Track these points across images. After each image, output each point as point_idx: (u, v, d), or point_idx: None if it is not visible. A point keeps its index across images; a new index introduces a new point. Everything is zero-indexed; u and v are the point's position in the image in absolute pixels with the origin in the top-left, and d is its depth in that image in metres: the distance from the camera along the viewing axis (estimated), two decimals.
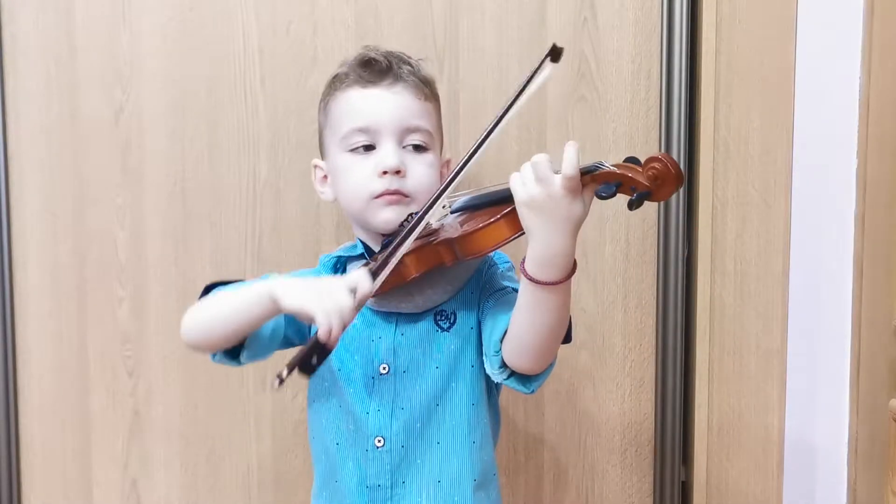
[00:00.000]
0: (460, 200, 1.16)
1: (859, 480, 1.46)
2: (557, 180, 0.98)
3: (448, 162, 1.29)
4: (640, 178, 0.98)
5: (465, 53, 1.51)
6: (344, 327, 1.00)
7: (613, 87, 1.50)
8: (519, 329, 1.08)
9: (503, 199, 1.06)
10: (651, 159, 0.99)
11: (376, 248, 1.22)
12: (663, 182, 0.98)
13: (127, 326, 1.58)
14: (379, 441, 1.16)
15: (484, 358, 1.17)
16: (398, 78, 1.19)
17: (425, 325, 1.18)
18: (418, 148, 1.19)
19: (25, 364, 1.59)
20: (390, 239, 1.14)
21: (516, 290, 1.17)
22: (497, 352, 1.12)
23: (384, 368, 1.17)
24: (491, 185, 1.14)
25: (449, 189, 1.09)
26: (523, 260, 1.04)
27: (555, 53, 1.07)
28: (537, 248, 1.02)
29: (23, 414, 1.60)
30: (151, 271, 1.57)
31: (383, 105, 1.18)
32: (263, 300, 1.07)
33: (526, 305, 1.06)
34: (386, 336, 1.17)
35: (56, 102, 1.56)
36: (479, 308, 1.19)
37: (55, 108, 1.56)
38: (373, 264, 1.07)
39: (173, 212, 1.55)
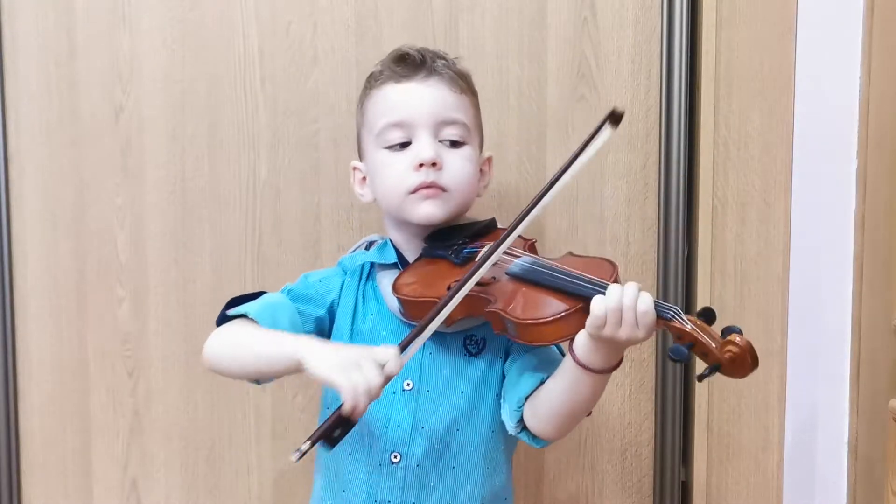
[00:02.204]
0: (517, 265, 1.11)
1: (859, 480, 1.46)
2: (653, 328, 0.99)
3: (489, 159, 1.27)
4: (716, 352, 0.97)
5: (465, 53, 1.50)
6: (370, 402, 0.98)
7: (613, 87, 1.50)
8: (551, 400, 1.08)
9: (570, 292, 1.03)
10: (730, 341, 0.96)
11: (411, 256, 1.21)
12: (739, 366, 0.97)
13: (127, 326, 1.58)
14: (395, 457, 1.15)
15: (502, 402, 1.15)
16: (432, 71, 1.18)
17: (454, 348, 1.17)
18: (455, 143, 1.18)
19: (25, 364, 1.59)
20: (473, 248, 1.12)
21: None
22: (519, 408, 1.11)
23: (408, 385, 1.16)
24: (550, 259, 1.11)
25: (496, 251, 1.06)
26: (572, 341, 1.03)
27: (614, 118, 1.05)
28: (595, 346, 1.02)
29: (23, 414, 1.60)
30: (151, 271, 1.57)
31: (417, 98, 1.17)
32: (290, 361, 1.03)
33: (566, 382, 1.06)
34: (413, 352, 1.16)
35: (56, 102, 1.56)
36: (508, 341, 1.17)
37: (55, 108, 1.56)
38: (404, 340, 1.03)
39: (173, 212, 1.55)
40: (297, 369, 1.03)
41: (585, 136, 1.07)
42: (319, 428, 0.98)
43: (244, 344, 1.12)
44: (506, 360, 1.17)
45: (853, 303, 1.45)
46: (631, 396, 1.55)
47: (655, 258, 1.52)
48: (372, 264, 1.23)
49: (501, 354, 1.18)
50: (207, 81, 1.53)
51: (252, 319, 1.14)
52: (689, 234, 1.51)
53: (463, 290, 1.05)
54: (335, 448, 1.17)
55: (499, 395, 1.17)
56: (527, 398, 1.11)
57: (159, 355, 1.58)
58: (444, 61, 1.20)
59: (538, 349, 1.14)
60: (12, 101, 1.55)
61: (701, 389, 1.49)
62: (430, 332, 1.05)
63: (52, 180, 1.56)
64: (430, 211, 1.16)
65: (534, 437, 1.13)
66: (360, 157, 1.26)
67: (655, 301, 0.99)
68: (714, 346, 0.97)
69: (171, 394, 1.58)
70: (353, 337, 1.19)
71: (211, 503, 1.60)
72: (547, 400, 1.09)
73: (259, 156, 1.54)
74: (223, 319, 1.17)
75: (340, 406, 0.97)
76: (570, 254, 1.16)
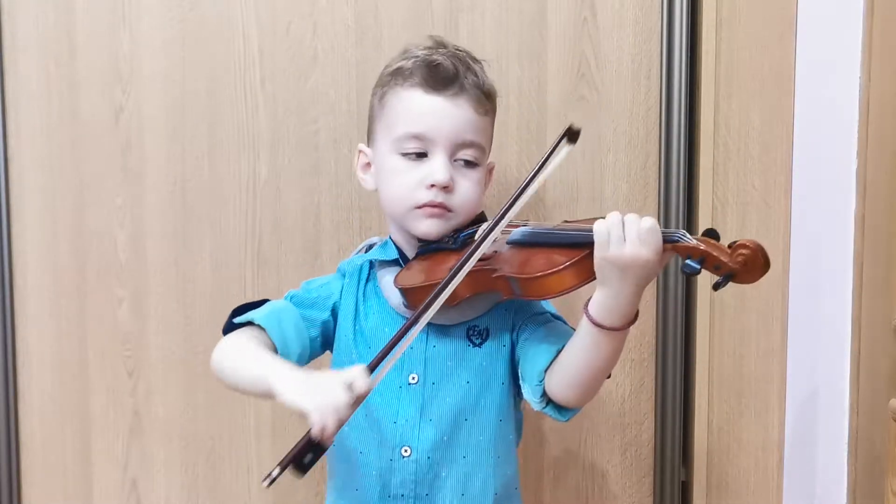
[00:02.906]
0: (517, 233, 1.13)
1: (859, 480, 1.46)
2: (660, 248, 0.98)
3: (492, 169, 1.28)
4: (727, 260, 0.96)
5: None
6: (340, 425, 0.98)
7: (613, 87, 1.50)
8: (571, 366, 1.08)
9: (570, 243, 1.04)
10: (740, 245, 0.97)
11: (411, 253, 1.22)
12: (752, 268, 0.96)
13: (127, 326, 1.58)
14: (405, 451, 1.16)
15: (522, 383, 1.16)
16: (462, 89, 1.17)
17: (457, 339, 1.18)
18: (469, 164, 1.18)
19: (25, 364, 1.59)
20: (469, 232, 1.14)
21: (555, 316, 1.19)
22: (540, 382, 1.12)
23: (413, 378, 1.17)
24: (545, 223, 1.12)
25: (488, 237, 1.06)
26: (587, 302, 1.04)
27: (571, 135, 1.06)
28: (607, 297, 1.02)
29: (23, 414, 1.60)
30: (151, 271, 1.57)
31: (443, 116, 1.17)
32: (264, 387, 1.05)
33: (584, 345, 1.06)
34: (417, 346, 1.16)
35: (56, 102, 1.56)
36: (512, 327, 1.18)
37: (55, 108, 1.56)
38: (373, 360, 1.03)
39: (173, 212, 1.55)
40: (271, 395, 1.04)
41: (545, 153, 1.07)
42: (289, 454, 0.98)
43: (237, 361, 1.13)
44: (511, 349, 1.18)
45: (853, 303, 1.45)
46: (631, 396, 1.55)
47: None
48: (371, 265, 1.24)
49: (506, 342, 1.18)
50: (207, 81, 1.53)
51: (258, 326, 1.16)
52: None
53: (457, 276, 1.06)
54: (347, 447, 1.19)
55: (504, 384, 1.18)
56: (545, 371, 1.11)
57: (159, 355, 1.58)
58: (474, 78, 1.19)
59: (547, 325, 1.15)
60: (12, 101, 1.55)
61: (701, 389, 1.49)
62: (400, 354, 1.05)
63: (52, 180, 1.56)
64: (431, 229, 1.17)
65: (559, 409, 1.13)
66: (369, 142, 1.25)
67: (661, 229, 1.00)
68: (725, 253, 0.97)
69: (171, 394, 1.58)
70: (357, 336, 1.20)
71: (211, 503, 1.60)
72: (567, 367, 1.09)
73: (259, 156, 1.54)
74: (230, 327, 1.18)
75: (309, 430, 0.98)
76: (565, 221, 1.18)
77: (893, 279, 1.34)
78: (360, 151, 1.26)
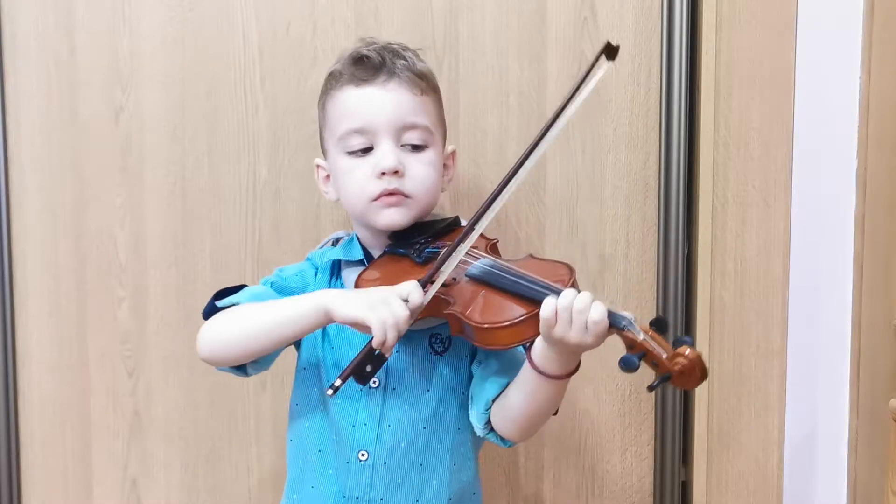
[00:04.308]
0: (476, 267, 1.11)
1: (859, 480, 1.46)
2: (604, 336, 1.00)
3: (453, 153, 1.28)
4: (666, 363, 0.97)
5: (465, 53, 1.51)
6: (398, 337, 1.02)
7: (613, 88, 1.50)
8: (514, 406, 1.10)
9: (528, 297, 1.04)
10: (679, 353, 0.97)
11: (377, 253, 1.21)
12: (687, 377, 0.98)
13: (127, 326, 1.58)
14: (363, 455, 1.16)
15: (470, 404, 1.17)
16: (392, 74, 1.17)
17: (419, 346, 1.17)
18: (417, 147, 1.18)
19: (25, 364, 1.59)
20: (435, 248, 1.14)
21: None
22: (486, 410, 1.14)
23: (374, 383, 1.16)
24: (510, 261, 1.12)
25: (498, 199, 1.08)
26: (529, 347, 1.06)
27: (610, 51, 1.06)
28: (550, 352, 1.04)
29: (23, 414, 1.60)
30: (151, 271, 1.57)
31: (378, 104, 1.16)
32: (316, 314, 1.07)
33: (527, 389, 1.08)
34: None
35: (56, 102, 1.55)
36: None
37: (55, 108, 1.56)
38: (422, 278, 1.06)
39: (173, 212, 1.55)
40: (325, 318, 1.07)
41: (582, 73, 1.07)
42: (351, 364, 1.01)
43: (254, 318, 1.13)
44: (472, 360, 1.18)
45: (853, 303, 1.45)
46: (631, 396, 1.55)
47: (655, 258, 1.52)
48: (338, 261, 1.24)
49: (467, 353, 1.18)
50: (207, 81, 1.53)
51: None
52: (689, 234, 1.51)
53: (477, 215, 1.07)
54: (306, 444, 1.19)
55: (464, 394, 1.18)
56: (493, 401, 1.13)
57: (159, 355, 1.58)
58: (403, 61, 1.19)
59: (501, 352, 1.15)
60: (12, 101, 1.55)
61: (701, 390, 1.49)
62: (448, 271, 1.07)
63: (52, 180, 1.56)
64: (393, 218, 1.17)
65: (501, 438, 1.15)
66: (324, 156, 1.26)
67: (610, 311, 1.00)
68: (665, 356, 0.98)
69: (171, 394, 1.58)
70: (323, 334, 1.19)
71: (211, 503, 1.60)
72: (510, 405, 1.11)
73: (259, 156, 1.54)
74: (211, 311, 1.18)
75: (370, 341, 1.01)
76: (531, 256, 1.17)
77: (893, 279, 1.34)
78: (317, 166, 1.27)
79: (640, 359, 0.98)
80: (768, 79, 1.45)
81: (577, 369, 1.07)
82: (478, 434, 1.17)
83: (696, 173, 1.48)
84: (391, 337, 1.01)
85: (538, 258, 1.16)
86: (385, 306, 1.02)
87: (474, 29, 1.50)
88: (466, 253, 1.10)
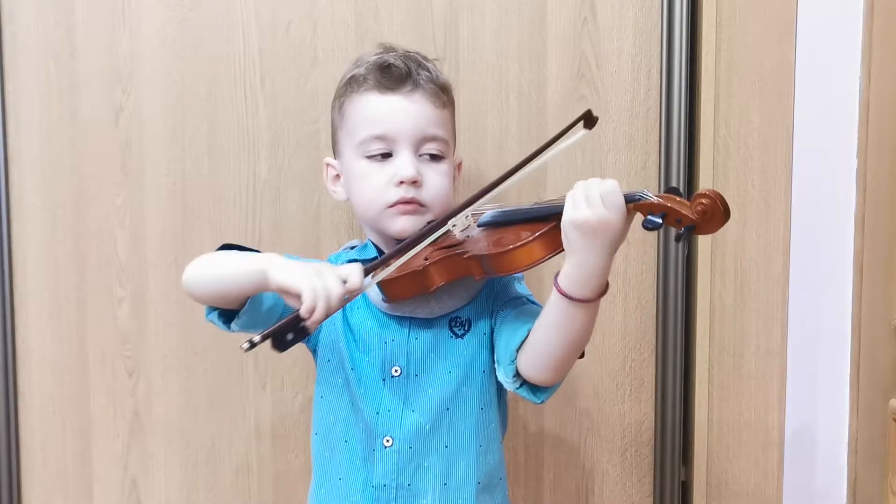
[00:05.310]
0: (487, 215, 1.15)
1: (859, 480, 1.46)
2: (623, 209, 0.99)
3: (460, 165, 1.30)
4: (687, 212, 0.98)
5: (465, 53, 1.51)
6: (327, 315, 1.01)
7: (613, 87, 1.50)
8: (542, 342, 1.09)
9: (537, 217, 1.06)
10: (700, 195, 0.98)
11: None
12: (711, 217, 0.98)
13: (127, 326, 1.58)
14: (387, 441, 1.17)
15: (496, 366, 1.17)
16: (417, 85, 1.20)
17: (440, 331, 1.19)
18: (434, 157, 1.20)
19: (25, 364, 1.59)
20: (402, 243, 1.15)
21: (531, 300, 1.20)
22: (512, 361, 1.13)
23: (396, 371, 1.18)
24: (516, 203, 1.14)
25: (467, 209, 1.09)
26: (557, 274, 1.04)
27: (589, 119, 1.07)
28: (576, 266, 1.02)
29: (23, 414, 1.60)
30: (151, 271, 1.57)
31: (402, 114, 1.18)
32: (254, 271, 1.07)
33: (554, 320, 1.06)
34: (399, 339, 1.18)
35: (56, 102, 1.55)
36: (492, 315, 1.20)
37: (55, 108, 1.56)
38: (370, 264, 1.07)
39: (173, 212, 1.55)
40: (262, 280, 1.05)
41: (559, 130, 1.09)
42: (274, 326, 1.00)
43: (217, 261, 1.15)
44: (491, 336, 1.19)
45: (853, 303, 1.45)
46: (631, 396, 1.55)
47: (655, 258, 1.52)
48: (356, 262, 1.24)
49: (486, 331, 1.19)
50: (207, 81, 1.53)
51: None
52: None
53: (437, 232, 1.08)
54: (332, 435, 1.19)
55: (485, 372, 1.19)
56: (517, 350, 1.12)
57: (159, 355, 1.58)
58: (427, 73, 1.21)
59: (521, 307, 1.16)
60: (12, 101, 1.55)
61: (701, 390, 1.50)
62: (401, 262, 1.08)
63: (52, 180, 1.56)
64: (406, 226, 1.18)
65: (533, 389, 1.14)
66: (335, 155, 1.27)
67: (623, 192, 1.01)
68: (685, 206, 0.98)
69: (171, 394, 1.58)
70: (345, 328, 1.21)
71: (211, 503, 1.60)
72: (537, 343, 1.10)
73: (259, 156, 1.54)
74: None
75: (297, 310, 1.00)
76: (536, 203, 1.19)
77: (893, 279, 1.34)
78: (327, 165, 1.28)
79: (662, 218, 0.98)
80: (768, 79, 1.45)
81: (606, 290, 1.05)
82: (508, 389, 1.16)
83: (696, 173, 1.48)
84: (320, 308, 0.99)
85: (544, 201, 1.19)
86: (320, 279, 1.01)
87: (474, 29, 1.50)
88: (473, 213, 1.12)
